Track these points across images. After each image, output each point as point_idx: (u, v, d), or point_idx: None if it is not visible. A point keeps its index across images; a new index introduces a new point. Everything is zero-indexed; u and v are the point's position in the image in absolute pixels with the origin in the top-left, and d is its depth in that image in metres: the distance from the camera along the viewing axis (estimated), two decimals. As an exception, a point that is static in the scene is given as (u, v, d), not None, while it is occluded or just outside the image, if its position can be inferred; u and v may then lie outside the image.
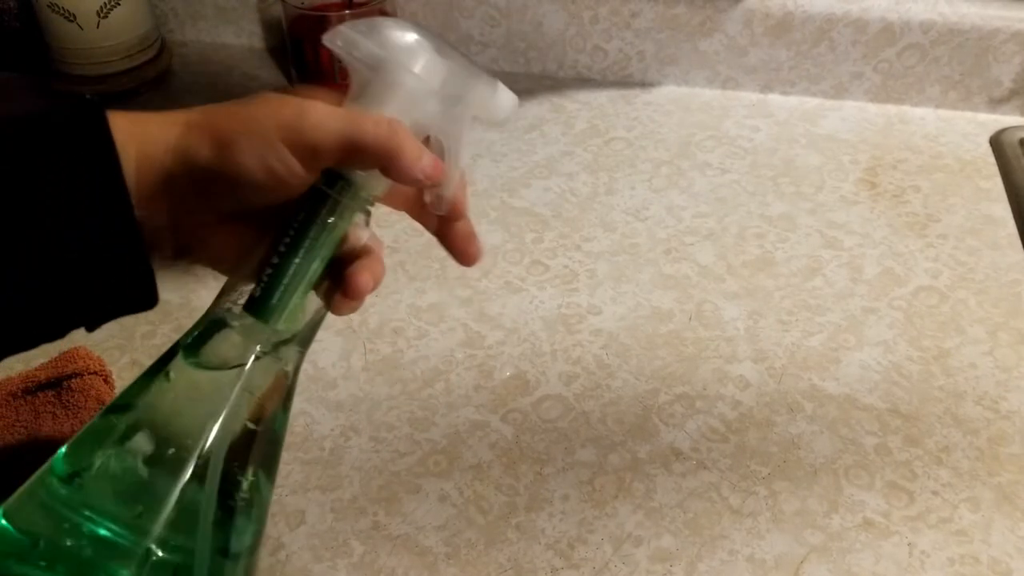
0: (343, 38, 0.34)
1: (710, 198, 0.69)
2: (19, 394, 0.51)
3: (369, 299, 0.60)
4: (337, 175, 0.34)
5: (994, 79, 0.77)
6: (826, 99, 0.80)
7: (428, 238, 0.65)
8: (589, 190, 0.70)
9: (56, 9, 0.76)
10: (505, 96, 0.36)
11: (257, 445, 0.34)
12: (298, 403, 0.53)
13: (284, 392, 0.35)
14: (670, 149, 0.75)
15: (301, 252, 0.33)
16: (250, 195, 0.33)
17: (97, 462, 0.32)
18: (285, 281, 0.33)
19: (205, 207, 0.34)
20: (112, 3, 0.77)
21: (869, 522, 0.47)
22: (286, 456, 0.50)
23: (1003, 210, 0.68)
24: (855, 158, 0.73)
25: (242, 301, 0.33)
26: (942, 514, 0.47)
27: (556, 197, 0.69)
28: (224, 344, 0.33)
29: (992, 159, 0.73)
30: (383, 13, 0.79)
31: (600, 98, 0.81)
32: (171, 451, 0.32)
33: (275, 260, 0.33)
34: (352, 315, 0.59)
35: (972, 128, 0.77)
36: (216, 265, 0.37)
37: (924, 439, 0.51)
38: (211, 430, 0.32)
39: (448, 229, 0.38)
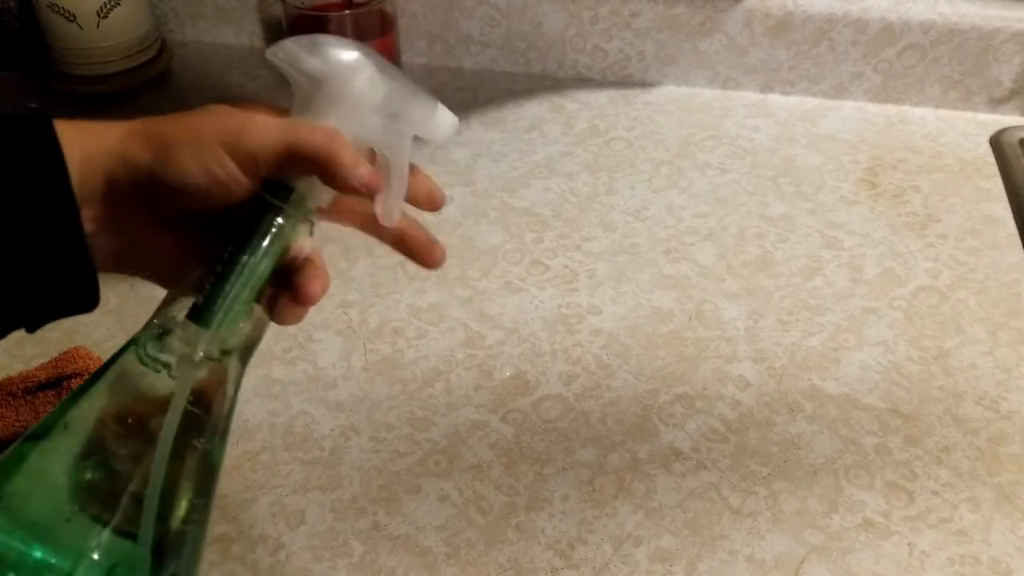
0: (286, 52, 0.35)
1: (710, 198, 0.69)
2: (19, 394, 0.51)
3: (369, 299, 0.60)
4: (280, 184, 0.34)
5: (994, 79, 0.77)
6: (826, 99, 0.80)
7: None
8: (589, 190, 0.70)
9: (56, 9, 0.76)
10: (445, 116, 0.37)
11: (195, 465, 0.33)
12: (298, 403, 0.53)
13: (225, 407, 0.35)
14: (670, 149, 0.75)
15: (244, 260, 0.33)
16: (191, 200, 0.33)
17: (27, 486, 0.31)
18: (228, 289, 0.33)
19: (146, 212, 0.34)
20: (112, 3, 0.77)
21: (869, 522, 0.47)
22: (286, 456, 0.50)
23: (1003, 210, 0.68)
24: (855, 158, 0.73)
25: (184, 312, 0.33)
26: (942, 514, 0.47)
27: (556, 197, 0.69)
28: (165, 353, 0.33)
29: (992, 159, 0.73)
30: (383, 13, 0.79)
31: (600, 98, 0.81)
32: (103, 472, 0.31)
33: (218, 268, 0.33)
34: (352, 315, 0.59)
35: (972, 128, 0.77)
36: (157, 276, 0.37)
37: (924, 439, 0.51)
38: (150, 446, 0.31)
39: (405, 240, 0.39)
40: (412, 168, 0.37)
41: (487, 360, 0.56)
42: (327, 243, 0.65)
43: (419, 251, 0.39)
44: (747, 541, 0.46)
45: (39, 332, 0.52)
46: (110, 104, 0.80)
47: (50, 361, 0.53)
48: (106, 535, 0.30)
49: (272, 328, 0.57)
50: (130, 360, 0.33)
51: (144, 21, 0.81)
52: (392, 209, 0.37)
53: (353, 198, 0.36)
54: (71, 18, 0.76)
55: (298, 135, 0.33)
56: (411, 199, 0.38)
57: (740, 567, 0.45)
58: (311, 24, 0.78)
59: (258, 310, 0.35)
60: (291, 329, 0.58)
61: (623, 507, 0.47)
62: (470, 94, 0.82)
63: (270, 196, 0.34)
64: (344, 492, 0.48)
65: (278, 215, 0.34)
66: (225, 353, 0.34)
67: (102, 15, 0.77)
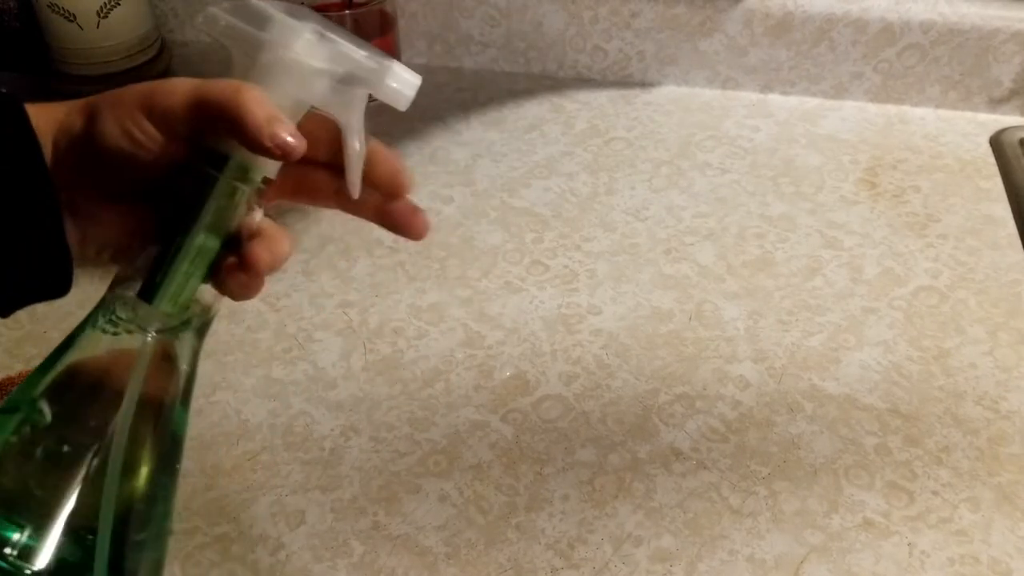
0: (216, 20, 0.33)
1: (710, 198, 0.69)
2: (19, 394, 0.51)
3: (369, 299, 0.60)
4: (218, 154, 0.33)
5: (994, 79, 0.77)
6: (826, 99, 0.80)
7: (429, 237, 0.65)
8: (589, 190, 0.70)
9: (56, 9, 0.76)
10: (402, 75, 0.34)
11: (154, 442, 0.33)
12: (298, 403, 0.53)
13: (182, 384, 0.34)
14: (670, 149, 0.75)
15: (188, 234, 0.33)
16: (121, 167, 0.33)
17: None
18: (173, 263, 0.33)
19: (92, 186, 0.34)
20: (112, 3, 0.77)
21: (869, 522, 0.47)
22: (286, 456, 0.50)
23: (1003, 210, 0.68)
24: (855, 158, 0.73)
25: (133, 290, 0.33)
26: (942, 514, 0.47)
27: (556, 197, 0.69)
28: (117, 332, 0.33)
29: (992, 159, 0.73)
30: (383, 13, 0.79)
31: (600, 98, 0.81)
32: (63, 451, 0.31)
33: (162, 243, 0.33)
34: (352, 315, 0.59)
35: (972, 128, 0.77)
36: (124, 258, 0.36)
37: (924, 439, 0.51)
38: (106, 428, 0.31)
39: (386, 210, 0.37)
40: (375, 146, 0.35)
41: (487, 360, 0.56)
42: (327, 243, 0.65)
43: (400, 222, 0.37)
44: (747, 541, 0.46)
45: (39, 332, 0.52)
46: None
47: (50, 361, 0.53)
48: (59, 513, 0.30)
49: (272, 328, 0.58)
50: (84, 340, 0.33)
51: (144, 21, 0.81)
52: (351, 180, 0.35)
53: (322, 174, 0.36)
54: (71, 18, 0.76)
55: (207, 89, 0.32)
56: (370, 181, 0.35)
57: (740, 567, 0.45)
58: (311, 24, 0.78)
59: (209, 288, 0.34)
60: (291, 329, 0.58)
61: (623, 507, 0.47)
62: (470, 94, 0.82)
63: (210, 167, 0.33)
64: (344, 492, 0.48)
65: (217, 185, 0.33)
66: (180, 327, 0.34)
67: (102, 15, 0.77)
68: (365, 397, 0.53)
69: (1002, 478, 0.49)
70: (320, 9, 0.78)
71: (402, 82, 0.33)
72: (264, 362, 0.56)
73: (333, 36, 0.33)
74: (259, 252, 0.34)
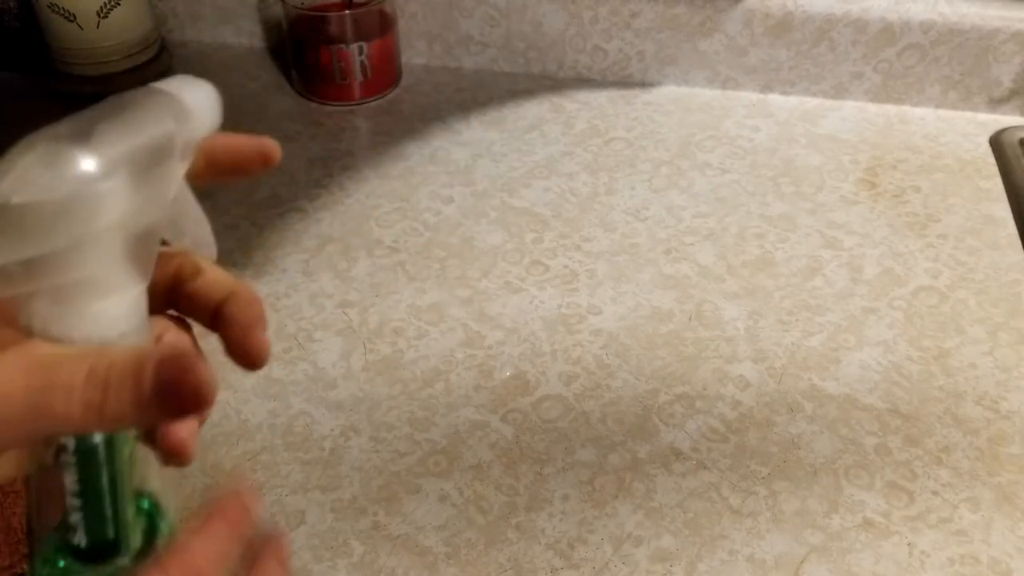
0: None
1: (710, 198, 0.69)
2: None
3: (369, 299, 0.60)
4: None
5: (994, 79, 0.77)
6: (826, 99, 0.80)
7: (429, 237, 0.65)
8: (589, 190, 0.70)
9: (56, 9, 0.76)
10: (201, 103, 0.28)
11: None
12: (298, 403, 0.53)
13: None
14: (670, 149, 0.75)
15: (103, 491, 0.27)
16: None
17: None
18: (106, 521, 0.27)
19: None
20: (112, 3, 0.77)
21: (869, 522, 0.47)
22: (286, 456, 0.50)
23: (1003, 210, 0.68)
24: (855, 158, 0.73)
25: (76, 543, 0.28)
26: (942, 514, 0.47)
27: (556, 197, 0.69)
28: None
29: (992, 159, 0.73)
30: (383, 13, 0.79)
31: (600, 98, 0.81)
32: None
33: (78, 507, 0.27)
34: (352, 315, 0.59)
35: (972, 128, 0.77)
36: None
37: (924, 439, 0.51)
38: None
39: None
40: (222, 136, 0.29)
41: (487, 360, 0.56)
42: (327, 243, 0.65)
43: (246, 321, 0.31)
44: (747, 541, 0.46)
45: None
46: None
47: (50, 361, 0.53)
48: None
49: (272, 328, 0.58)
50: None
51: (144, 21, 0.81)
52: (206, 244, 0.30)
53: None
54: (71, 18, 0.76)
55: (47, 412, 0.23)
56: (243, 165, 0.29)
57: (740, 567, 0.45)
58: (311, 24, 0.78)
59: (150, 463, 0.30)
60: (291, 329, 0.58)
61: (623, 507, 0.47)
62: (470, 94, 0.82)
63: (80, 458, 0.26)
64: (344, 492, 0.48)
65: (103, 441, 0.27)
66: (144, 548, 0.29)
67: (102, 15, 0.77)
68: (365, 397, 0.53)
69: (1002, 478, 0.49)
70: (320, 9, 0.78)
71: (206, 109, 0.29)
72: (264, 362, 0.56)
73: (100, 140, 0.23)
74: (183, 436, 0.30)
